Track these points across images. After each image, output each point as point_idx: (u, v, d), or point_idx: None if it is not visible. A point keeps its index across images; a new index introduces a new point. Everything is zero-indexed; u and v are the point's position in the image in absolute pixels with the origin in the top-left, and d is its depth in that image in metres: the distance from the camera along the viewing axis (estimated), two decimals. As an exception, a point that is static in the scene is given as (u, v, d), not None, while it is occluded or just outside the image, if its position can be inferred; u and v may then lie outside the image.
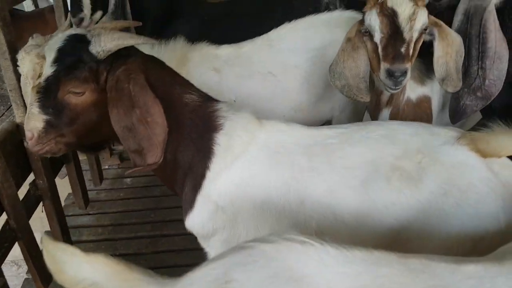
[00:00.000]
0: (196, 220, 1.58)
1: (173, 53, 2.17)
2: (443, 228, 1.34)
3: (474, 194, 1.33)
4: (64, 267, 1.19)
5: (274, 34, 2.28)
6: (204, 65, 2.21)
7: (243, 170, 1.49)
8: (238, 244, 1.09)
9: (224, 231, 1.56)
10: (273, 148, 1.51)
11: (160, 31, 2.63)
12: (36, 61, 1.85)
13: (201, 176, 1.51)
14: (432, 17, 1.71)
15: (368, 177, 1.41)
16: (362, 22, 1.71)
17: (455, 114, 1.89)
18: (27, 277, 2.70)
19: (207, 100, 1.55)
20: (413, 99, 1.94)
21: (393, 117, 1.93)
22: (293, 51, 2.21)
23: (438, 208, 1.34)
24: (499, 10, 1.80)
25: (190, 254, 2.62)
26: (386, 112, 1.93)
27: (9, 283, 2.01)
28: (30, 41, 1.88)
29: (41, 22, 4.40)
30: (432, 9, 1.88)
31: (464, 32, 1.80)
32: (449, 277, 0.97)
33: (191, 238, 2.68)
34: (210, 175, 1.50)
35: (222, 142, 1.49)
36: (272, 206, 1.48)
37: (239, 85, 2.20)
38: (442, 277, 0.97)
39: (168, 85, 1.51)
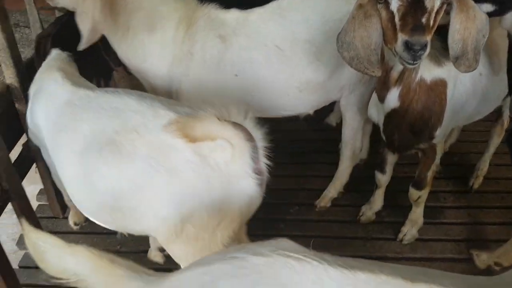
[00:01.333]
0: None
1: (181, 7, 2.05)
2: (154, 205, 1.51)
3: (178, 176, 1.46)
4: (45, 256, 1.16)
5: (286, 2, 2.07)
6: (210, 31, 2.05)
7: None
8: (229, 251, 1.05)
9: None
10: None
11: None
12: None
13: None
14: None
15: (87, 146, 1.56)
16: None
17: None
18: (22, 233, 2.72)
19: None
20: (427, 80, 1.80)
21: (404, 98, 1.80)
22: (305, 24, 2.00)
23: (148, 185, 1.48)
24: None
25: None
26: (395, 92, 1.80)
27: (8, 231, 2.01)
28: None
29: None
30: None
31: None
32: None
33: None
34: None
35: None
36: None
37: (242, 58, 2.05)
38: None
39: None
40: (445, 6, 1.53)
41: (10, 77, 2.11)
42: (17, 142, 2.38)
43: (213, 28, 2.05)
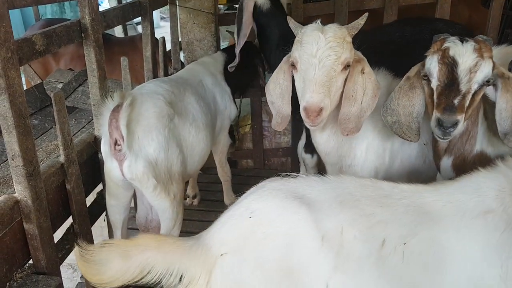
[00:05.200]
0: None
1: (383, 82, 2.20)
2: None
3: None
4: (109, 265, 1.38)
5: None
6: None
7: None
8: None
9: None
10: None
11: None
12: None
13: None
14: (501, 69, 1.71)
15: None
16: (423, 64, 1.76)
17: None
18: (80, 281, 2.98)
19: None
20: (490, 155, 1.86)
21: (458, 168, 1.87)
22: None
23: None
24: None
25: None
26: (446, 161, 1.90)
27: (66, 285, 2.25)
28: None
29: (131, 48, 5.00)
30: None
31: None
32: (390, 190, 1.55)
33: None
34: None
35: None
36: None
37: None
38: (385, 189, 1.55)
39: None
40: (485, 88, 1.67)
41: (98, 129, 2.50)
42: (93, 189, 2.74)
43: None
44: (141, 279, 1.43)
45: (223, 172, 3.47)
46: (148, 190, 2.20)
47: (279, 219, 1.46)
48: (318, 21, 1.96)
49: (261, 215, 1.48)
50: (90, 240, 2.61)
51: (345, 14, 3.82)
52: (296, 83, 1.95)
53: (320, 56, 1.82)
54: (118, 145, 2.10)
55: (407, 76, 1.86)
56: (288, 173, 1.62)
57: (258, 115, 4.03)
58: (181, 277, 1.45)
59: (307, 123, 1.85)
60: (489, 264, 1.38)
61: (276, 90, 2.11)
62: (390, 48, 2.86)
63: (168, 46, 4.06)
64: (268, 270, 1.40)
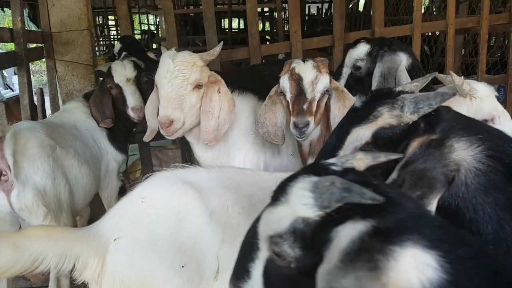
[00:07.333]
0: None
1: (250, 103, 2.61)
2: None
3: None
4: None
5: None
6: None
7: None
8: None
9: None
10: None
11: None
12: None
13: None
14: (336, 83, 2.23)
15: None
16: (279, 84, 2.20)
17: None
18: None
19: None
20: None
21: (321, 166, 2.32)
22: None
23: None
24: (409, 71, 2.42)
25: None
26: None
27: None
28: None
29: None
30: (354, 78, 2.50)
31: None
32: (267, 176, 1.85)
33: None
34: None
35: None
36: None
37: None
38: (263, 176, 1.87)
39: None
40: (327, 95, 2.17)
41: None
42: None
43: None
44: (36, 268, 1.43)
45: None
46: (38, 220, 2.20)
47: (170, 201, 1.63)
48: (173, 49, 2.34)
49: (152, 199, 1.64)
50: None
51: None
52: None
53: (169, 78, 2.19)
54: (4, 175, 2.11)
55: (269, 95, 2.30)
56: (177, 164, 1.84)
57: (148, 159, 4.14)
58: (74, 265, 1.47)
59: (163, 134, 2.20)
60: None
61: (149, 108, 2.47)
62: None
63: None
64: (161, 248, 1.53)
